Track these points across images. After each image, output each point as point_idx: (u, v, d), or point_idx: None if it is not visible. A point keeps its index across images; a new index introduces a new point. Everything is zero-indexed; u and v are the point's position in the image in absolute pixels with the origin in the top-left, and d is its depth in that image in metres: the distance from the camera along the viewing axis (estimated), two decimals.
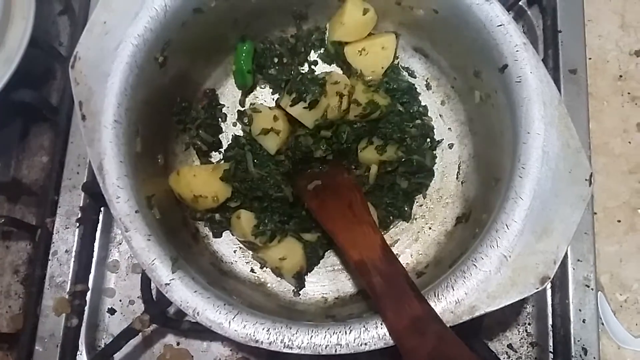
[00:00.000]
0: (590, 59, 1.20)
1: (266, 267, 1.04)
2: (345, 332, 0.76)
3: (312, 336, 0.76)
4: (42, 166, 1.19)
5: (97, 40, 0.86)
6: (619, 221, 1.15)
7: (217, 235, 1.05)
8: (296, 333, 0.76)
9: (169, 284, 0.78)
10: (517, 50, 0.84)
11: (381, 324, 0.77)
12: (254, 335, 0.76)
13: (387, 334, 0.76)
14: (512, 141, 0.84)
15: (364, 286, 0.85)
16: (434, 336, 0.73)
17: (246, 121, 1.05)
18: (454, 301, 0.77)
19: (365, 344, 0.76)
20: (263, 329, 0.76)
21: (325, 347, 0.76)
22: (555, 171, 0.80)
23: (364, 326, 0.77)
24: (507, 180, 0.83)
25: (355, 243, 0.87)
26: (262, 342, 0.76)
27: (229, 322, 0.77)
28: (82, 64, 0.85)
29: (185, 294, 0.78)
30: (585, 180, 0.80)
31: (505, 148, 0.88)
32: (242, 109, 1.10)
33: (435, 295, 0.78)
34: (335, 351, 0.75)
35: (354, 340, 0.76)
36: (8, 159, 1.19)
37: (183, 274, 0.80)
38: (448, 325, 0.76)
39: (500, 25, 0.85)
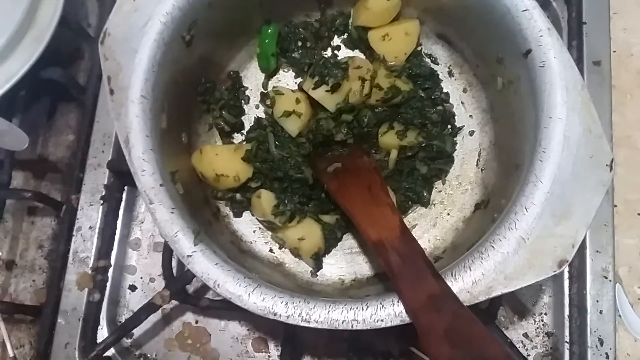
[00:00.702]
0: (614, 51, 1.20)
1: (285, 248, 1.05)
2: (362, 308, 0.77)
3: (329, 311, 0.77)
4: (68, 144, 1.22)
5: (126, 17, 0.88)
6: (639, 214, 1.14)
7: (238, 214, 1.06)
8: (314, 307, 0.77)
9: (191, 256, 0.80)
10: (541, 35, 0.84)
11: (398, 302, 0.77)
12: (272, 308, 0.77)
13: (404, 311, 0.76)
14: (534, 126, 0.84)
15: (381, 265, 0.86)
16: (450, 313, 0.74)
17: (269, 103, 1.06)
18: (471, 281, 0.77)
19: (382, 320, 0.76)
20: (282, 302, 0.77)
21: (342, 322, 0.76)
22: (576, 156, 0.80)
23: (381, 303, 0.77)
24: (528, 164, 0.83)
25: (373, 223, 0.88)
26: (280, 315, 0.77)
27: (249, 294, 0.78)
28: (112, 40, 0.87)
29: (207, 266, 0.79)
30: (606, 165, 0.80)
31: (526, 134, 0.88)
32: (265, 92, 1.11)
33: (452, 275, 0.78)
34: (352, 326, 0.76)
35: (371, 316, 0.76)
36: (35, 136, 1.22)
37: (205, 247, 0.81)
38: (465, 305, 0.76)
39: (525, 10, 0.85)
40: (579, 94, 0.81)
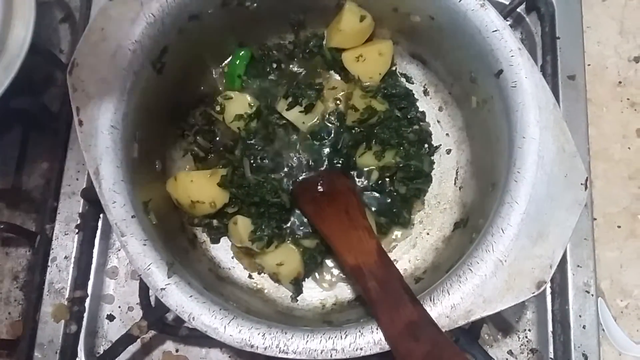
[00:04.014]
0: (589, 65, 1.20)
1: (264, 273, 1.04)
2: (341, 337, 0.76)
3: (307, 341, 0.76)
4: (42, 173, 1.19)
5: (94, 47, 0.87)
6: (619, 227, 1.14)
7: (215, 241, 1.05)
8: (292, 338, 0.76)
9: (164, 289, 0.78)
10: (512, 56, 0.84)
11: (377, 329, 0.76)
12: (249, 340, 0.76)
13: (383, 339, 0.76)
14: (508, 146, 0.84)
15: (359, 291, 0.85)
16: (428, 341, 0.73)
17: (218, 109, 1.06)
18: (450, 306, 0.76)
19: (361, 348, 0.75)
20: (258, 333, 0.76)
21: (321, 352, 0.75)
22: (550, 175, 0.80)
23: (360, 331, 0.76)
24: (503, 184, 0.83)
25: (351, 248, 0.87)
26: (257, 347, 0.76)
27: (225, 326, 0.77)
28: (80, 70, 0.86)
29: (181, 299, 0.78)
30: (581, 184, 0.80)
31: (501, 153, 0.88)
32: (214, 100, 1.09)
33: (431, 300, 0.77)
34: (331, 356, 0.75)
35: (350, 345, 0.75)
36: (8, 165, 1.19)
37: (179, 278, 0.80)
38: (444, 330, 0.75)
39: (496, 30, 0.85)
40: (551, 112, 0.82)
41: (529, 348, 1.08)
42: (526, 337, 1.08)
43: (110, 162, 0.82)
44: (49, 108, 1.18)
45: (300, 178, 1.05)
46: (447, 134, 1.09)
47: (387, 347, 0.75)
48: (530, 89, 0.82)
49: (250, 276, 1.04)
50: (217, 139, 1.08)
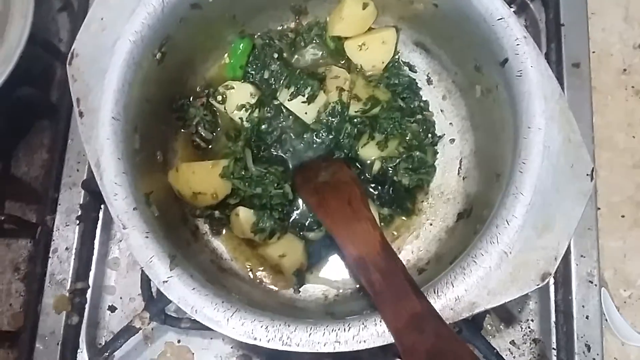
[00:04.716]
0: (593, 52, 1.19)
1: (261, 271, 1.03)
2: (344, 329, 0.75)
3: (310, 334, 0.75)
4: (42, 163, 1.19)
5: (94, 37, 0.85)
6: (623, 216, 1.14)
7: (217, 232, 1.04)
8: (295, 330, 0.75)
9: (166, 282, 0.78)
10: (517, 44, 0.82)
11: (380, 322, 0.76)
12: (252, 333, 0.75)
13: (386, 331, 0.75)
14: (513, 136, 0.83)
15: (362, 283, 0.85)
16: (432, 333, 0.73)
17: (220, 100, 1.05)
18: (454, 298, 0.76)
19: (364, 341, 0.75)
20: (261, 326, 0.76)
21: (324, 345, 0.75)
22: (556, 166, 0.79)
23: (363, 323, 0.76)
24: (508, 175, 0.82)
25: (354, 239, 0.86)
26: (260, 339, 0.75)
27: (227, 319, 0.76)
28: (80, 60, 0.85)
29: (183, 292, 0.78)
30: (587, 175, 0.79)
31: (506, 143, 0.87)
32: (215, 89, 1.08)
33: (435, 292, 0.77)
34: (334, 348, 0.75)
35: (353, 337, 0.75)
36: (8, 156, 1.19)
37: (181, 271, 0.79)
38: (448, 322, 0.75)
39: (501, 18, 0.84)
40: (557, 102, 0.80)
41: (532, 338, 1.08)
42: (529, 327, 1.08)
43: (111, 154, 0.81)
44: (49, 98, 1.17)
45: (303, 169, 1.04)
46: (450, 124, 1.07)
47: (390, 340, 0.75)
48: (536, 79, 0.80)
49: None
50: (219, 129, 1.07)
